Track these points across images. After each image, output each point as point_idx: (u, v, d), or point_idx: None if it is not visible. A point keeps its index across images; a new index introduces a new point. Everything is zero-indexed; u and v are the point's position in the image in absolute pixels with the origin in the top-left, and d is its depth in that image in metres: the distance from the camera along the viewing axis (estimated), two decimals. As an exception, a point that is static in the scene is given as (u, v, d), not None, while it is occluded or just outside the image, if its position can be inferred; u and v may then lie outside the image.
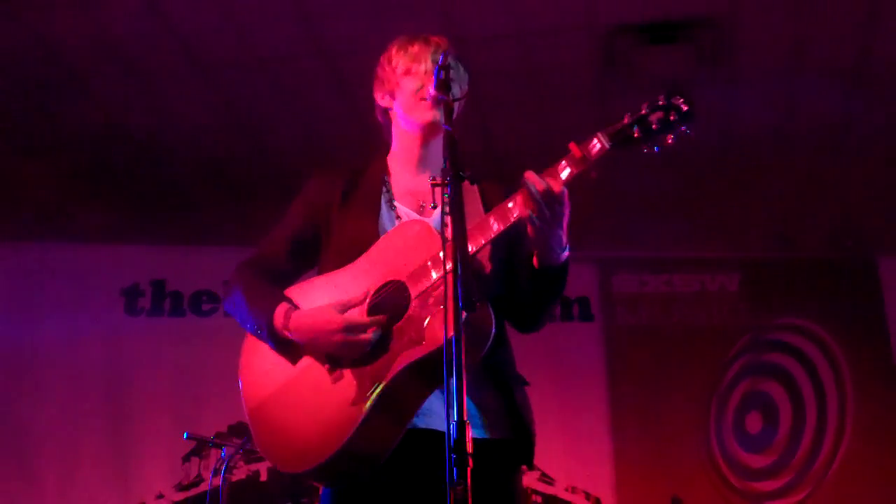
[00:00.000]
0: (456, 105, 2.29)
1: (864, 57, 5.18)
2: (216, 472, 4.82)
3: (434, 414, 2.14)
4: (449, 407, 1.66)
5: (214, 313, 6.53)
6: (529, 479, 6.12)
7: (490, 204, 2.33)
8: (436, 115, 2.30)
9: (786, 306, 6.46)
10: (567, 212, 2.12)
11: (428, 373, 2.07)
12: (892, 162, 6.10)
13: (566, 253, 2.21)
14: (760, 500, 6.12)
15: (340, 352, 2.15)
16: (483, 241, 2.12)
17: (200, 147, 6.11)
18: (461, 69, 2.36)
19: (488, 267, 2.25)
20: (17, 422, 6.12)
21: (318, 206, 2.43)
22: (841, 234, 6.40)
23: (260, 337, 2.31)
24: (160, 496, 6.11)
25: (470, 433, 1.65)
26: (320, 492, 2.30)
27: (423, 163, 2.42)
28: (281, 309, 2.24)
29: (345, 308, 2.18)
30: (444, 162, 1.96)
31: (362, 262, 2.26)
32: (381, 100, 2.49)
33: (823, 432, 6.21)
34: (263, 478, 6.05)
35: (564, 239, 2.18)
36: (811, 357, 6.36)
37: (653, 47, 4.96)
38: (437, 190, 1.95)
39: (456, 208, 1.87)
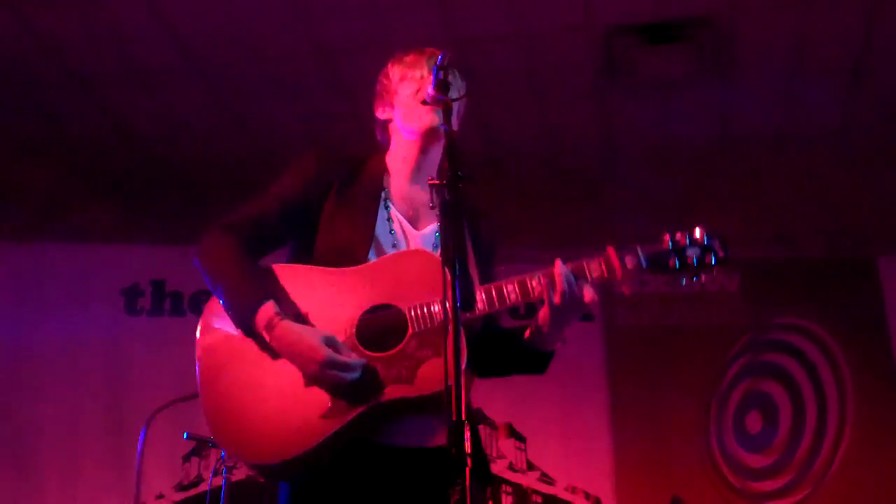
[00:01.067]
0: (455, 108, 2.31)
1: (864, 57, 5.18)
2: (216, 472, 4.82)
3: (400, 432, 2.15)
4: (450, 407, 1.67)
5: (214, 313, 6.52)
6: (529, 480, 6.13)
7: (479, 235, 2.37)
8: (435, 119, 2.28)
9: (786, 306, 6.46)
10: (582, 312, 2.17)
11: (409, 409, 2.09)
12: (892, 162, 6.10)
13: (561, 345, 2.26)
14: (760, 500, 6.11)
15: (316, 382, 2.11)
16: (497, 307, 2.14)
17: (201, 147, 6.12)
18: (458, 76, 2.36)
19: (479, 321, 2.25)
20: (17, 422, 6.12)
21: (312, 186, 2.37)
22: (841, 234, 6.40)
23: (234, 323, 2.21)
24: (160, 496, 6.11)
25: (468, 433, 1.65)
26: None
27: (419, 170, 2.41)
28: (265, 312, 2.15)
29: (331, 340, 2.11)
30: (444, 162, 1.96)
31: (362, 271, 2.23)
32: (381, 113, 2.49)
33: (823, 432, 6.21)
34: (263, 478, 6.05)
35: (566, 333, 2.23)
36: (811, 357, 6.36)
37: (653, 47, 4.97)
38: (435, 192, 1.94)
39: (455, 208, 1.87)
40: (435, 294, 2.07)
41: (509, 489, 6.06)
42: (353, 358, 2.10)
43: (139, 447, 4.70)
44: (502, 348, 2.32)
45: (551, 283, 2.09)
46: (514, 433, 6.13)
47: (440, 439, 2.17)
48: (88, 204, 6.20)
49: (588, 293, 2.10)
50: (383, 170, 2.45)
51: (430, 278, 2.11)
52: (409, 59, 2.43)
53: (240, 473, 4.98)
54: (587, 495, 6.10)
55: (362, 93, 5.43)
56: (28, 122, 5.78)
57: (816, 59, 5.21)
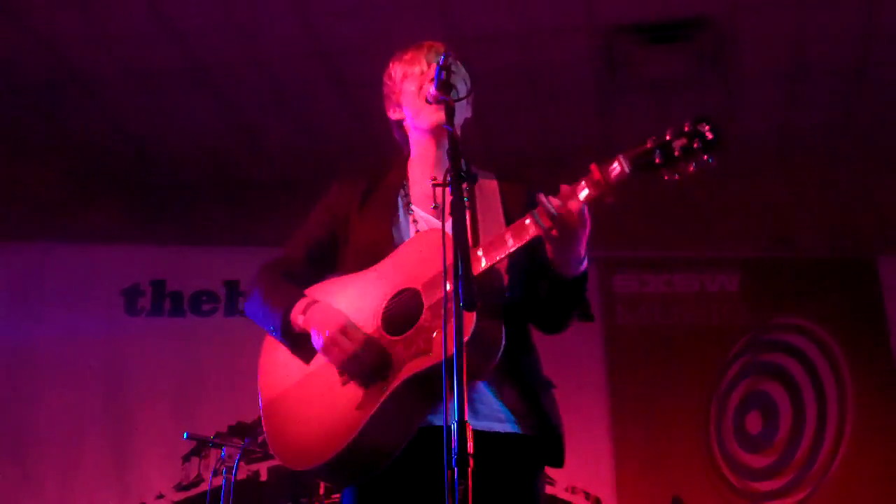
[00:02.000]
0: (464, 104, 2.32)
1: (864, 57, 5.19)
2: (216, 472, 4.82)
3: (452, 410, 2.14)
4: (457, 408, 1.67)
5: (214, 313, 6.53)
6: (529, 480, 6.12)
7: (509, 204, 2.35)
8: (440, 116, 2.29)
9: (786, 306, 6.46)
10: (587, 231, 2.11)
11: (435, 383, 2.05)
12: (893, 162, 6.10)
13: (583, 265, 2.19)
14: (760, 500, 6.11)
15: (325, 352, 2.17)
16: (498, 257, 2.10)
17: (200, 147, 6.12)
18: (462, 69, 2.36)
19: (506, 278, 2.23)
20: (17, 422, 6.11)
21: (337, 212, 2.44)
22: (841, 234, 6.40)
23: (273, 333, 2.33)
24: (160, 496, 6.11)
25: (471, 433, 1.64)
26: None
27: (439, 164, 2.41)
28: (301, 303, 2.26)
29: (355, 325, 2.18)
30: (448, 161, 1.96)
31: (384, 266, 2.26)
32: (393, 114, 2.50)
33: (823, 432, 6.21)
34: (263, 478, 6.05)
35: (582, 253, 2.16)
36: (811, 357, 6.36)
37: (653, 47, 4.97)
38: (439, 191, 1.95)
39: (457, 208, 1.87)
40: (442, 264, 2.08)
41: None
42: (372, 337, 2.16)
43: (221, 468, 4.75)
44: (543, 290, 2.27)
45: (539, 215, 2.06)
46: (514, 433, 6.12)
47: (528, 429, 2.23)
48: (88, 204, 6.20)
49: (574, 205, 2.04)
50: (403, 174, 2.47)
51: (438, 252, 2.09)
52: (408, 56, 2.44)
53: (240, 473, 4.98)
54: (587, 495, 6.10)
55: (362, 93, 5.45)
56: (28, 122, 5.78)
57: (816, 59, 5.22)
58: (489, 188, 2.37)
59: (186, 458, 6.17)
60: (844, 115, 5.77)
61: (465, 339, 1.80)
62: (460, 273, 1.76)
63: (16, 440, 6.08)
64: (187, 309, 6.52)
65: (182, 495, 6.12)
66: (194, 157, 6.24)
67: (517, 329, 2.23)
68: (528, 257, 2.23)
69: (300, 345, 2.27)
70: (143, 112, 5.75)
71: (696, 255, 6.63)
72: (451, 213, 1.87)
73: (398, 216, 2.37)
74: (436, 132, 2.37)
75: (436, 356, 2.05)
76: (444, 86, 2.09)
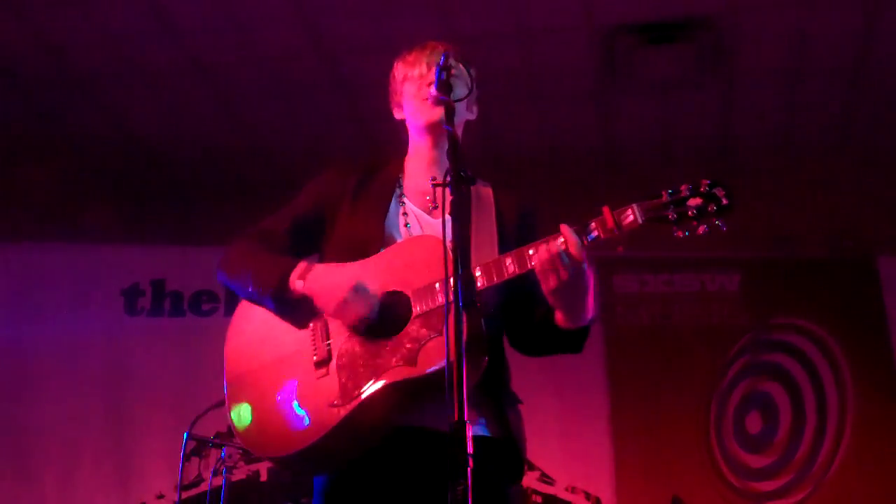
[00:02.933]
0: (464, 106, 2.33)
1: (864, 57, 5.19)
2: (216, 472, 4.82)
3: (426, 412, 2.12)
4: (451, 407, 1.67)
5: (214, 313, 6.52)
6: (529, 480, 6.12)
7: (504, 214, 2.36)
8: (439, 114, 2.29)
9: (786, 306, 6.45)
10: (591, 282, 2.09)
11: (413, 392, 2.09)
12: (893, 162, 6.10)
13: (585, 322, 2.18)
14: (760, 500, 6.11)
15: (338, 312, 2.16)
16: (496, 280, 2.11)
17: (200, 147, 6.12)
18: (464, 69, 2.36)
19: (493, 299, 2.23)
20: (17, 422, 6.11)
21: (327, 197, 2.43)
22: (841, 234, 6.40)
23: (259, 297, 2.28)
24: (160, 496, 6.10)
25: (470, 433, 1.65)
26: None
27: (435, 164, 2.42)
28: (300, 266, 2.23)
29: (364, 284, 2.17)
30: (447, 162, 1.96)
31: (374, 262, 2.25)
32: (397, 114, 2.51)
33: (823, 432, 6.20)
34: (263, 478, 6.05)
35: (585, 309, 2.15)
36: (811, 357, 6.35)
37: (653, 47, 4.97)
38: (439, 190, 1.95)
39: (458, 209, 1.87)
40: (437, 275, 2.12)
41: (510, 489, 6.06)
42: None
43: (181, 453, 4.74)
44: (539, 330, 2.30)
45: (539, 253, 2.05)
46: (513, 433, 6.12)
47: (497, 433, 2.22)
48: (88, 204, 6.20)
49: (578, 254, 2.03)
50: (399, 169, 2.48)
51: (433, 261, 2.13)
52: (410, 57, 2.45)
53: (240, 473, 4.98)
54: (587, 495, 6.10)
55: (362, 93, 5.45)
56: (28, 122, 5.78)
57: (816, 59, 5.22)
58: (485, 195, 2.39)
59: (186, 458, 6.17)
60: (844, 115, 5.77)
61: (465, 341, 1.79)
62: (459, 273, 1.76)
63: (16, 440, 6.08)
64: (187, 309, 6.52)
65: (182, 495, 6.12)
66: (194, 157, 6.24)
67: (493, 343, 2.24)
68: (517, 283, 2.20)
69: (290, 311, 2.24)
70: (143, 112, 5.75)
71: (696, 255, 6.62)
72: (452, 214, 1.87)
73: (390, 209, 2.37)
74: (432, 130, 2.38)
75: (421, 368, 2.06)
76: (444, 86, 2.09)
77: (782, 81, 5.47)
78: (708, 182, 2.05)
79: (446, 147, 2.30)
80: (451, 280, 1.78)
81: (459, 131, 2.33)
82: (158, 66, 5.26)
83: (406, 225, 2.35)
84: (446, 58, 2.13)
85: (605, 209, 2.07)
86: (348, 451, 2.14)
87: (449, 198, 1.90)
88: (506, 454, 2.28)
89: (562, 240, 2.04)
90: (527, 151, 6.22)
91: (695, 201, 2.04)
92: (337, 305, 2.15)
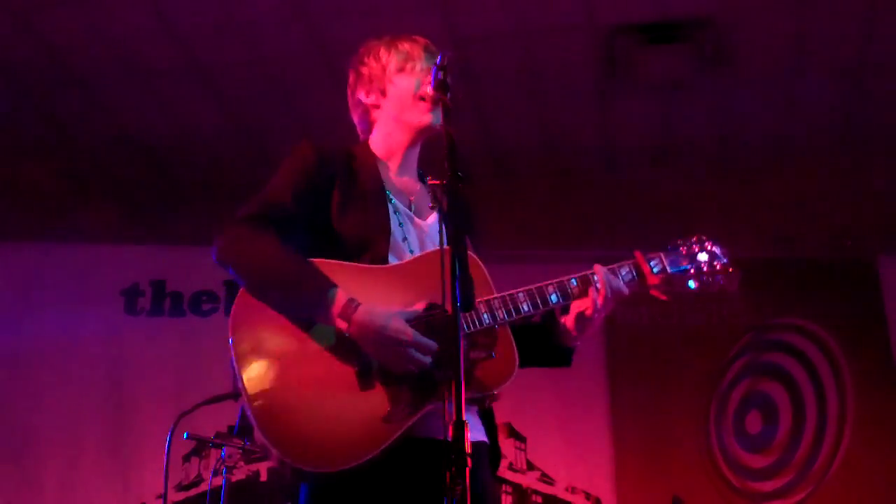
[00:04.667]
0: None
1: (864, 57, 5.18)
2: (216, 472, 4.82)
3: (430, 423, 2.11)
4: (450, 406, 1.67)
5: (214, 313, 6.52)
6: (529, 480, 6.12)
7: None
8: (432, 117, 2.29)
9: (786, 306, 6.45)
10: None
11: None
12: (892, 162, 6.10)
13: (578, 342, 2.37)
14: (760, 500, 6.11)
15: (395, 365, 2.06)
16: (540, 308, 2.26)
17: (200, 147, 6.12)
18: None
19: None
20: (17, 422, 6.11)
21: (318, 176, 2.29)
22: (841, 234, 6.40)
23: (298, 315, 2.12)
24: (160, 496, 6.10)
25: (469, 434, 1.65)
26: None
27: (404, 162, 2.41)
28: (340, 299, 2.07)
29: (410, 320, 2.09)
30: (443, 162, 1.96)
31: (404, 270, 2.22)
32: (367, 98, 2.43)
33: (823, 432, 6.20)
34: (263, 478, 6.05)
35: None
36: (811, 357, 6.35)
37: (653, 47, 4.97)
38: (436, 190, 1.94)
39: (456, 209, 1.87)
40: (479, 295, 2.11)
41: (509, 489, 6.06)
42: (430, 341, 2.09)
43: (166, 450, 4.71)
44: (531, 341, 2.36)
45: (596, 289, 2.28)
46: (513, 433, 6.12)
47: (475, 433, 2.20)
48: (88, 204, 6.20)
49: (622, 288, 2.29)
50: (375, 161, 2.40)
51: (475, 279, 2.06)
52: (404, 47, 2.41)
53: (240, 473, 4.98)
54: (587, 495, 6.10)
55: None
56: (28, 122, 5.78)
57: (816, 59, 5.22)
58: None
59: (186, 458, 6.17)
60: (844, 115, 5.77)
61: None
62: (458, 274, 1.76)
63: (16, 440, 6.08)
64: (187, 309, 6.52)
65: (182, 495, 6.12)
66: (194, 157, 6.24)
67: None
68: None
69: (333, 339, 2.10)
70: (143, 112, 5.74)
71: (696, 255, 6.61)
72: (450, 215, 1.87)
73: (388, 208, 2.32)
74: (419, 133, 2.38)
75: (475, 390, 2.10)
76: (442, 86, 2.08)
77: (782, 81, 5.46)
78: (707, 239, 2.55)
79: (418, 148, 2.33)
80: (452, 285, 1.77)
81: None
82: (159, 65, 5.26)
83: (399, 224, 2.31)
84: (444, 57, 2.12)
85: (638, 254, 2.40)
86: (368, 462, 2.05)
87: (447, 200, 1.90)
88: (494, 454, 2.33)
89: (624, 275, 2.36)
90: (527, 151, 6.22)
91: (703, 257, 2.56)
92: (394, 361, 2.07)
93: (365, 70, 2.43)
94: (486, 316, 2.16)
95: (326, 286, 2.08)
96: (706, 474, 6.13)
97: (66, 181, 6.08)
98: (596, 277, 2.31)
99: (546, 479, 6.14)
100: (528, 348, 2.30)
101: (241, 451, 4.86)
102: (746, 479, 6.15)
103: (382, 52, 2.42)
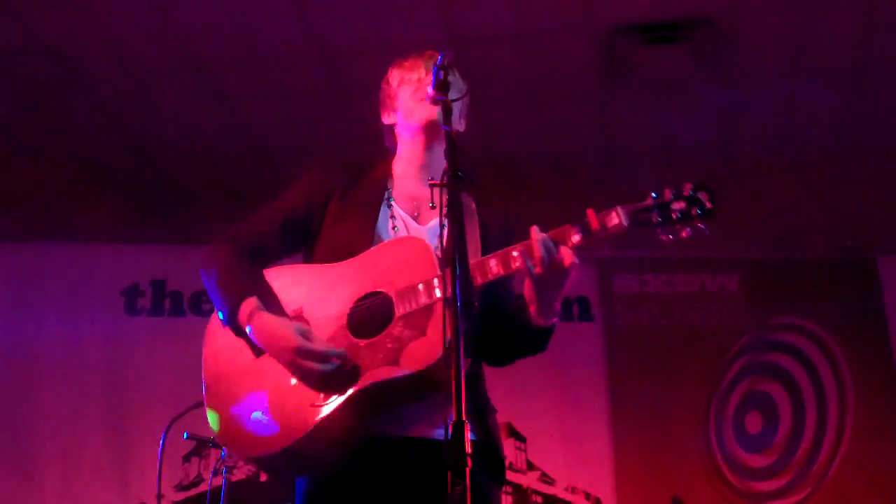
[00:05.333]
0: (456, 116, 2.30)
1: (864, 57, 5.18)
2: (216, 472, 4.82)
3: (405, 420, 2.14)
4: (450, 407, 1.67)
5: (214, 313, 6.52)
6: (529, 480, 6.12)
7: (489, 227, 2.37)
8: (433, 113, 2.29)
9: (786, 306, 6.45)
10: (571, 280, 2.11)
11: (395, 393, 2.09)
12: (892, 162, 6.10)
13: (554, 319, 2.21)
14: (760, 500, 6.11)
15: (292, 371, 2.15)
16: (480, 281, 2.11)
17: (200, 147, 6.12)
18: (458, 75, 2.37)
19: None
20: (17, 422, 6.11)
21: (315, 196, 2.41)
22: (841, 234, 6.40)
23: (223, 322, 2.29)
24: (160, 496, 6.10)
25: (468, 434, 1.65)
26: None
27: (425, 168, 2.42)
28: (247, 306, 2.20)
29: (305, 331, 2.15)
30: (445, 162, 1.96)
31: (355, 263, 2.25)
32: (387, 119, 2.50)
33: (823, 432, 6.20)
34: (263, 478, 6.05)
35: (558, 305, 2.19)
36: (811, 357, 6.35)
37: (653, 47, 4.97)
38: (436, 191, 1.95)
39: (454, 209, 1.87)
40: (420, 276, 2.12)
41: (509, 489, 6.06)
42: (328, 347, 2.13)
43: (159, 454, 4.72)
44: (502, 331, 2.30)
45: (528, 251, 2.07)
46: (513, 433, 6.12)
47: (477, 436, 2.19)
48: (88, 204, 6.20)
49: (567, 256, 2.06)
50: (388, 172, 2.47)
51: (416, 262, 2.15)
52: (408, 63, 2.46)
53: (240, 473, 4.99)
54: (587, 495, 6.10)
55: (362, 93, 5.44)
56: (28, 122, 5.78)
57: (816, 59, 5.22)
58: (468, 206, 2.37)
59: (186, 458, 6.18)
60: (844, 115, 5.77)
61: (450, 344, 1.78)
62: (458, 274, 1.76)
63: (16, 440, 6.08)
64: (187, 309, 6.52)
65: (182, 495, 6.12)
66: (194, 157, 6.24)
67: (475, 353, 2.24)
68: (491, 291, 2.23)
69: (246, 336, 2.24)
70: (143, 112, 5.75)
71: (696, 255, 6.62)
72: (449, 215, 1.87)
73: (379, 214, 2.36)
74: (427, 130, 2.38)
75: (404, 367, 2.06)
76: (442, 85, 2.09)
77: (782, 81, 5.46)
78: (692, 186, 2.07)
79: (437, 151, 2.32)
80: (445, 279, 1.79)
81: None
82: (158, 65, 5.26)
83: (394, 229, 2.34)
84: (444, 58, 2.12)
85: (590, 212, 2.09)
86: (327, 453, 2.13)
87: (447, 199, 1.90)
88: (488, 455, 2.26)
89: (548, 248, 2.06)
90: (527, 151, 6.22)
91: (679, 205, 2.06)
92: (286, 364, 2.15)
93: (382, 94, 2.51)
94: (423, 297, 2.12)
95: (240, 295, 2.23)
96: (706, 474, 6.14)
97: (66, 181, 6.07)
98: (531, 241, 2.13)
99: (546, 479, 6.14)
100: (503, 337, 2.29)
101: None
102: (746, 479, 6.15)
103: (392, 73, 2.49)
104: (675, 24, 4.90)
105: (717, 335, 6.43)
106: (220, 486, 4.74)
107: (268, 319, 2.18)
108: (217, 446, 5.12)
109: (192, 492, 6.09)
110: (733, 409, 6.31)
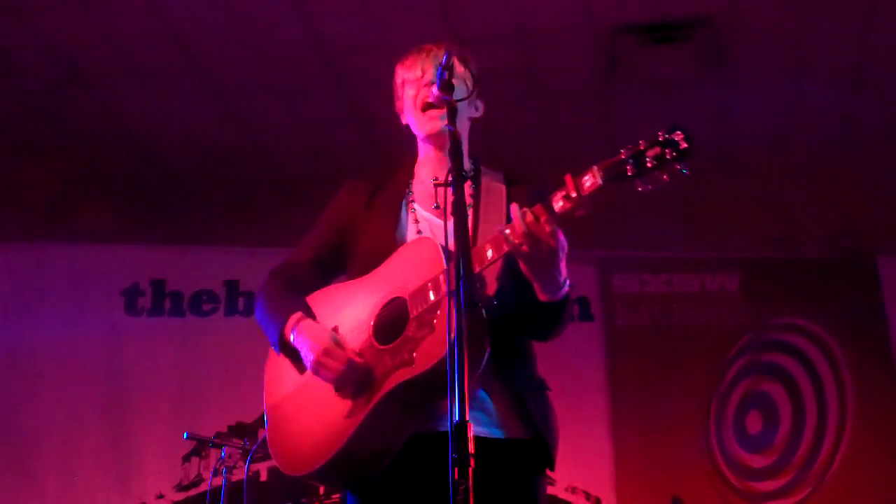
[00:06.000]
0: (466, 102, 2.33)
1: (864, 57, 5.18)
2: (216, 472, 4.82)
3: (437, 415, 2.12)
4: (450, 409, 1.67)
5: (214, 313, 6.53)
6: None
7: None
8: (436, 125, 2.33)
9: (786, 306, 6.46)
10: (561, 250, 2.07)
11: (420, 392, 2.08)
12: (892, 162, 6.10)
13: (563, 290, 2.15)
14: (760, 500, 6.12)
15: (316, 372, 2.20)
16: (478, 269, 2.08)
17: (200, 147, 6.11)
18: (465, 69, 2.37)
19: (495, 286, 2.20)
20: (17, 422, 6.12)
21: (344, 215, 2.46)
22: (841, 234, 6.40)
23: (273, 347, 2.35)
24: (160, 496, 6.11)
25: (471, 433, 1.64)
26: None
27: (443, 166, 2.36)
28: (292, 320, 2.27)
29: (339, 340, 2.21)
30: (450, 161, 1.97)
31: (378, 272, 2.28)
32: (402, 118, 2.50)
33: (823, 432, 6.21)
34: (263, 478, 6.05)
35: (560, 277, 2.12)
36: (811, 357, 6.36)
37: (653, 47, 4.97)
38: (442, 190, 1.95)
39: (457, 208, 1.87)
40: (430, 276, 2.12)
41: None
42: (353, 354, 2.17)
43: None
44: (526, 309, 2.25)
45: (513, 230, 2.03)
46: (514, 433, 6.13)
47: (516, 432, 2.21)
48: (88, 204, 6.19)
49: (548, 225, 2.01)
50: (410, 173, 2.48)
51: (427, 262, 2.15)
52: (408, 61, 2.45)
53: (240, 473, 4.98)
54: (587, 495, 6.11)
55: (362, 93, 5.45)
56: (28, 122, 5.77)
57: (816, 59, 5.21)
58: (496, 190, 2.38)
59: (186, 458, 6.18)
60: (844, 115, 5.77)
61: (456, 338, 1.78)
62: (461, 273, 1.76)
63: (16, 440, 6.08)
64: (187, 309, 6.52)
65: (182, 495, 6.12)
66: (194, 157, 6.23)
67: (509, 335, 2.22)
68: (514, 267, 2.18)
69: (298, 357, 2.28)
70: (143, 112, 5.74)
71: (696, 255, 6.63)
72: (453, 214, 1.87)
73: (401, 217, 2.37)
74: (434, 139, 2.39)
75: (418, 366, 2.06)
76: (446, 86, 2.08)
77: (782, 81, 5.46)
78: (665, 129, 1.97)
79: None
80: (449, 274, 1.80)
81: (465, 130, 2.41)
82: (159, 66, 5.25)
83: (418, 232, 2.34)
84: (448, 57, 2.12)
85: (567, 177, 2.02)
86: (369, 460, 2.16)
87: (451, 198, 1.90)
88: (528, 449, 2.25)
89: (527, 215, 2.02)
90: (527, 151, 6.21)
91: (653, 151, 1.96)
92: (312, 367, 2.20)
93: (394, 95, 2.51)
94: (431, 295, 2.12)
95: (287, 313, 2.30)
96: (706, 474, 6.14)
97: (66, 181, 6.06)
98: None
99: (546, 478, 6.15)
100: (527, 313, 2.25)
101: (240, 451, 4.87)
102: (746, 479, 6.15)
103: (397, 73, 2.49)
104: (675, 24, 4.90)
105: (717, 335, 6.44)
106: (220, 486, 4.74)
107: (310, 324, 2.26)
108: (217, 446, 5.12)
109: (192, 492, 6.10)
110: (733, 409, 6.32)
